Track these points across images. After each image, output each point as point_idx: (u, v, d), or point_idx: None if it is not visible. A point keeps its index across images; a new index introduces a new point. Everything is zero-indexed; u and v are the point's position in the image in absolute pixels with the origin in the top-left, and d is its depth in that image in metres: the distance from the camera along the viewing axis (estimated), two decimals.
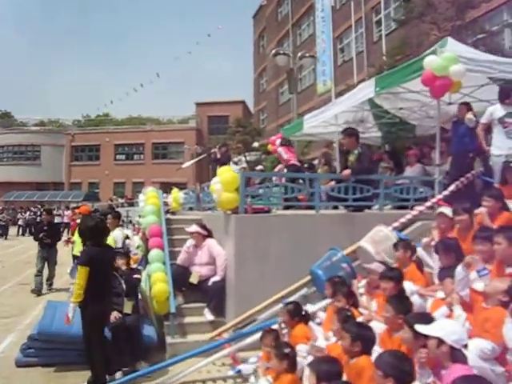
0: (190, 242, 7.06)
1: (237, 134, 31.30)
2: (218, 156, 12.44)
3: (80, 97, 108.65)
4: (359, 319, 4.24)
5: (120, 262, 6.26)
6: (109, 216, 9.31)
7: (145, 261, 7.94)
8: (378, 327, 3.95)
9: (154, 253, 7.17)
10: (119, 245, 8.65)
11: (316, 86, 27.71)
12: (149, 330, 6.19)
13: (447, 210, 5.51)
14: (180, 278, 6.76)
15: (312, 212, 6.91)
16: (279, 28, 35.03)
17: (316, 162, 13.15)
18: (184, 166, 18.83)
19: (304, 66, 18.54)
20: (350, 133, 7.14)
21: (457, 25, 13.45)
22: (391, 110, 11.19)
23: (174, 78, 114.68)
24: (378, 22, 23.07)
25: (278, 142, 11.21)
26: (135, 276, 6.46)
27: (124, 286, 5.97)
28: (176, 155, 42.76)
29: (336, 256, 5.95)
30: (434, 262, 4.97)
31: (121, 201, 31.09)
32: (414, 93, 9.02)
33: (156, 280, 6.55)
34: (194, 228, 7.07)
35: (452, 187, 7.04)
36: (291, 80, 15.14)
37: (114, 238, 8.73)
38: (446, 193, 6.99)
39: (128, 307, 5.87)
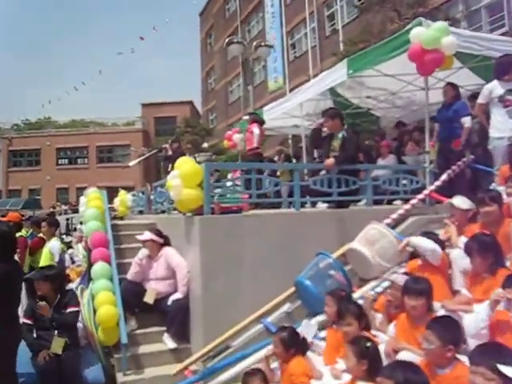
0: (143, 253, 5.75)
1: (186, 135, 30.20)
2: (170, 153, 11.37)
3: (15, 99, 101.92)
4: (380, 347, 3.16)
5: (42, 289, 4.81)
6: (43, 224, 7.98)
7: (88, 277, 6.50)
8: (410, 360, 2.89)
9: (99, 267, 5.77)
10: (56, 258, 7.34)
11: (267, 83, 26.92)
12: (93, 369, 4.91)
13: (457, 201, 4.68)
14: (132, 297, 5.48)
15: (291, 210, 5.81)
16: (227, 25, 33.91)
17: (276, 158, 12.41)
18: (131, 164, 17.62)
19: (258, 59, 17.61)
20: (333, 114, 6.04)
21: (419, 12, 12.89)
22: (354, 99, 10.42)
23: (117, 77, 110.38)
24: (330, 17, 22.47)
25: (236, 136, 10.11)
26: (70, 310, 4.94)
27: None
28: (122, 158, 40.57)
29: (325, 261, 4.92)
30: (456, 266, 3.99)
31: (64, 207, 29.19)
32: (387, 76, 8.20)
33: (101, 302, 5.22)
34: (148, 235, 5.80)
35: (444, 177, 6.27)
36: (247, 71, 14.06)
37: (50, 249, 7.42)
38: (438, 183, 6.20)
39: (58, 346, 4.48)
